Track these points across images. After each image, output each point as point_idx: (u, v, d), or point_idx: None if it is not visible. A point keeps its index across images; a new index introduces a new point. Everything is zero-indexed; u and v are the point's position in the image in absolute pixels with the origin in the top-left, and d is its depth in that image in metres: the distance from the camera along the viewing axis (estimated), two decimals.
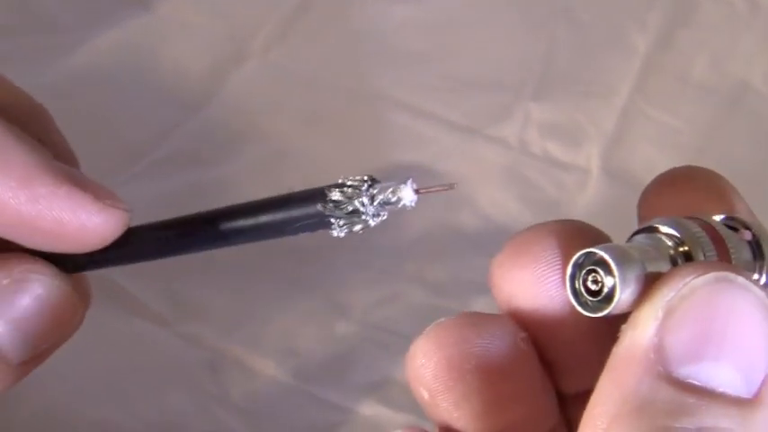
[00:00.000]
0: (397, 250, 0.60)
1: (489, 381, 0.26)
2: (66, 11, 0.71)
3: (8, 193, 0.23)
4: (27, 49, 0.69)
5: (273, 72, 0.69)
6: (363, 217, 0.25)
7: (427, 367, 0.26)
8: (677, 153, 0.66)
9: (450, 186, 0.24)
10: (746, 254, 0.25)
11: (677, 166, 0.68)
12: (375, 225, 0.25)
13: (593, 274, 0.23)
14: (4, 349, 0.25)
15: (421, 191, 0.25)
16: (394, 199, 0.25)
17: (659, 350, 0.21)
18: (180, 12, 0.71)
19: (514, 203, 0.63)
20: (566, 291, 0.24)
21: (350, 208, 0.25)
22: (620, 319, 0.23)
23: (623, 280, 0.22)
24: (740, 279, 0.21)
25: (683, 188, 0.26)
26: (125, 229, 0.26)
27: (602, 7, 0.73)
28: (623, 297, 0.22)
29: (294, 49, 0.70)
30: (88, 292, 0.27)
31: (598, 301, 0.23)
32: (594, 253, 0.23)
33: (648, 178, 0.63)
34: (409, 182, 0.24)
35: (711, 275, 0.21)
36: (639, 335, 0.21)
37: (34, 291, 0.25)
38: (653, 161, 0.66)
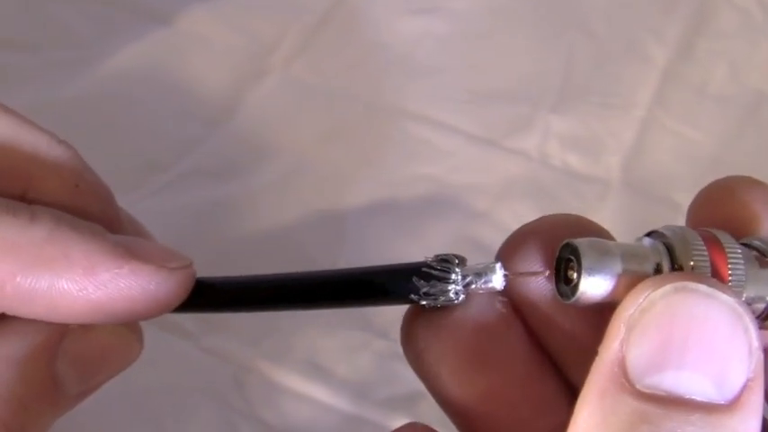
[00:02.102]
0: None
1: (468, 338, 0.27)
2: (86, 25, 0.72)
3: (75, 287, 0.23)
4: (47, 64, 0.69)
5: (293, 86, 0.69)
6: (451, 295, 0.25)
7: (410, 328, 0.27)
8: (696, 164, 0.66)
9: (543, 273, 0.25)
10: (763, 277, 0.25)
11: (696, 176, 0.68)
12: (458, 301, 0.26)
13: (572, 263, 0.24)
14: (65, 383, 0.25)
15: (509, 275, 0.25)
16: (483, 284, 0.25)
17: (622, 364, 0.21)
18: (199, 26, 0.72)
19: (534, 215, 0.63)
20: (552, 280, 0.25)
21: (440, 288, 0.25)
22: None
23: (588, 269, 0.23)
24: (702, 287, 0.22)
25: (721, 201, 0.26)
26: (193, 283, 0.26)
27: (618, 19, 0.74)
28: (585, 286, 0.23)
29: (314, 63, 0.70)
30: (141, 331, 0.27)
31: (570, 288, 0.24)
32: (573, 243, 0.24)
33: (668, 189, 0.64)
34: (498, 266, 0.25)
35: (670, 286, 0.22)
36: (606, 351, 0.22)
37: (99, 336, 0.25)
38: (672, 172, 0.66)
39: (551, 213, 0.28)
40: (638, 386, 0.21)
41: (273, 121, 0.68)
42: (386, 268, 0.26)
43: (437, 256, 0.26)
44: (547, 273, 0.25)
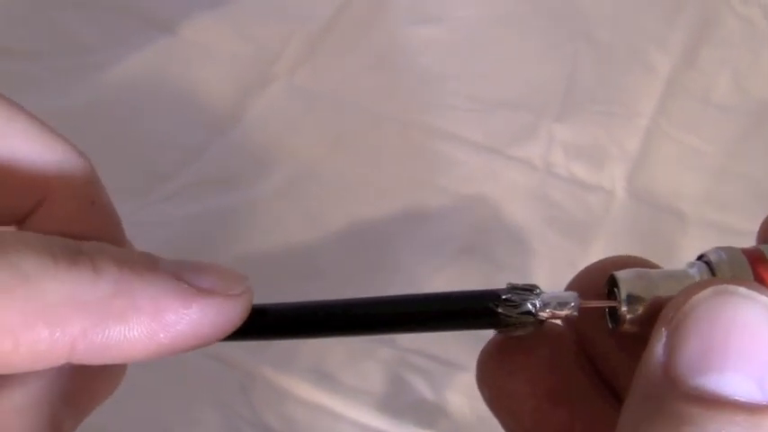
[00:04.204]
0: (426, 273, 0.60)
1: (545, 376, 0.27)
2: (91, 33, 0.72)
3: (145, 333, 0.22)
4: (54, 72, 0.69)
5: (298, 94, 0.69)
6: (529, 306, 0.25)
7: (486, 368, 0.27)
8: (701, 173, 0.66)
9: (617, 303, 0.25)
10: None
11: (700, 185, 0.67)
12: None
13: (616, 294, 0.25)
14: (62, 423, 0.24)
15: (584, 304, 0.26)
16: (559, 308, 0.26)
17: (665, 367, 0.22)
18: (204, 35, 0.72)
19: (539, 224, 0.63)
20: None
21: (521, 297, 0.25)
22: None
23: (625, 299, 0.24)
24: (741, 289, 0.22)
25: None
26: (251, 304, 0.24)
27: (622, 28, 0.74)
28: (625, 314, 0.24)
29: (318, 70, 0.71)
30: None
31: (616, 317, 0.25)
32: (615, 275, 0.25)
33: (672, 198, 0.64)
34: (575, 295, 0.26)
35: (710, 290, 0.22)
36: (649, 355, 0.22)
37: (91, 370, 0.24)
38: (677, 182, 0.66)
39: (614, 255, 0.28)
40: (681, 389, 0.21)
41: (279, 128, 0.68)
42: (464, 293, 0.26)
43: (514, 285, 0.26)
44: (618, 303, 0.25)
